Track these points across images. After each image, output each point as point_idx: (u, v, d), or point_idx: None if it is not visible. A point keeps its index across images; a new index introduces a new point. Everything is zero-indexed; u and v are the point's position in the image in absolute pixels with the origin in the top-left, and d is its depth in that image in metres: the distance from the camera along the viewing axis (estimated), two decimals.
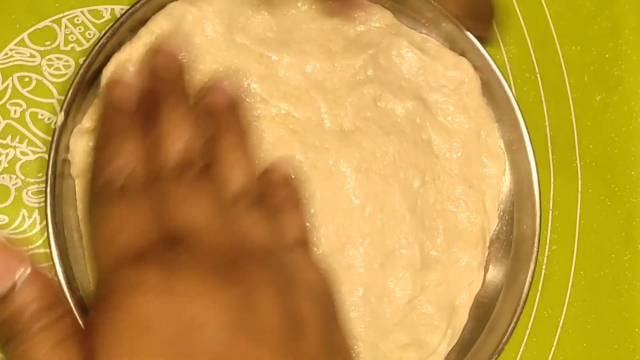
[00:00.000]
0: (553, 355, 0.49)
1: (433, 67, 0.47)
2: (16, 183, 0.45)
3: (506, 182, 0.48)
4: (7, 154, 0.46)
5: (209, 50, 0.44)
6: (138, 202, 0.35)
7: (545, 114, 0.50)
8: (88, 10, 0.47)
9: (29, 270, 0.32)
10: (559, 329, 0.49)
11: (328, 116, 0.46)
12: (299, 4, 0.46)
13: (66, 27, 0.47)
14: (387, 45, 0.46)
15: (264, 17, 0.46)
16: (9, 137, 0.46)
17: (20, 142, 0.46)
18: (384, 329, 0.45)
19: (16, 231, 0.45)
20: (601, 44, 0.51)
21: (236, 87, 0.40)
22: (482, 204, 0.47)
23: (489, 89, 0.47)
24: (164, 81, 0.40)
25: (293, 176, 0.41)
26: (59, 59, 0.47)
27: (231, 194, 0.37)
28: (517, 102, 0.46)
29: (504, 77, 0.47)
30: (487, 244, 0.47)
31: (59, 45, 0.47)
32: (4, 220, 0.45)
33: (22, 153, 0.46)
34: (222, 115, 0.39)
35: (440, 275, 0.46)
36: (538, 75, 0.50)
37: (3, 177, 0.46)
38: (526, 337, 0.48)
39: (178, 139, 0.37)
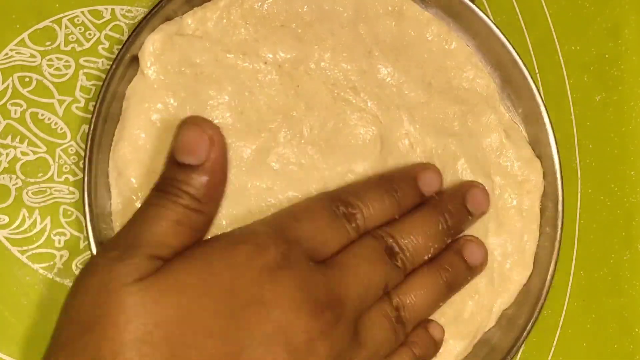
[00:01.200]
0: (553, 355, 0.49)
1: (509, 154, 0.47)
2: (16, 183, 0.45)
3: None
4: (7, 154, 0.46)
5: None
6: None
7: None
8: (88, 11, 0.47)
9: (212, 160, 0.35)
10: (559, 329, 0.49)
11: (407, 138, 0.46)
12: (427, 33, 0.47)
13: (66, 27, 0.47)
14: (479, 112, 0.47)
15: (391, 24, 0.47)
16: (9, 137, 0.46)
17: (21, 142, 0.46)
18: None
19: (16, 231, 0.45)
20: (601, 44, 0.51)
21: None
22: (492, 304, 0.46)
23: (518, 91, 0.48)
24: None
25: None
26: (59, 59, 0.47)
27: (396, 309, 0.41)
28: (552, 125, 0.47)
29: None
30: (475, 342, 0.46)
31: (59, 45, 0.47)
32: (4, 220, 0.45)
33: (22, 153, 0.46)
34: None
35: None
36: (538, 75, 0.50)
37: (3, 177, 0.46)
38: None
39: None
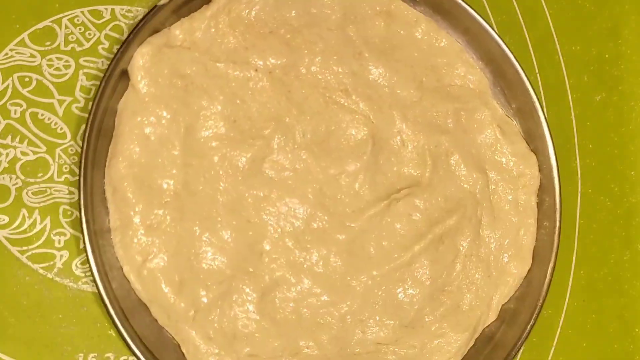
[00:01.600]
0: (553, 355, 0.49)
1: (504, 149, 0.47)
2: (16, 183, 0.46)
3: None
4: (7, 154, 0.46)
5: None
6: None
7: (545, 114, 0.50)
8: (88, 11, 0.47)
9: None
10: (559, 329, 0.49)
11: (399, 136, 0.46)
12: (416, 32, 0.47)
13: (66, 27, 0.47)
14: (473, 108, 0.47)
15: (380, 25, 0.47)
16: (9, 137, 0.46)
17: (20, 142, 0.46)
18: (345, 345, 0.45)
19: (16, 231, 0.45)
20: (601, 44, 0.51)
21: None
22: (491, 298, 0.47)
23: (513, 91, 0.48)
24: None
25: None
26: (59, 59, 0.47)
27: None
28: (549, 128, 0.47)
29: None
30: (476, 335, 0.47)
31: (59, 45, 0.47)
32: (4, 220, 0.45)
33: (22, 153, 0.46)
34: None
35: (417, 340, 0.46)
36: (538, 75, 0.50)
37: (3, 177, 0.46)
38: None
39: None
